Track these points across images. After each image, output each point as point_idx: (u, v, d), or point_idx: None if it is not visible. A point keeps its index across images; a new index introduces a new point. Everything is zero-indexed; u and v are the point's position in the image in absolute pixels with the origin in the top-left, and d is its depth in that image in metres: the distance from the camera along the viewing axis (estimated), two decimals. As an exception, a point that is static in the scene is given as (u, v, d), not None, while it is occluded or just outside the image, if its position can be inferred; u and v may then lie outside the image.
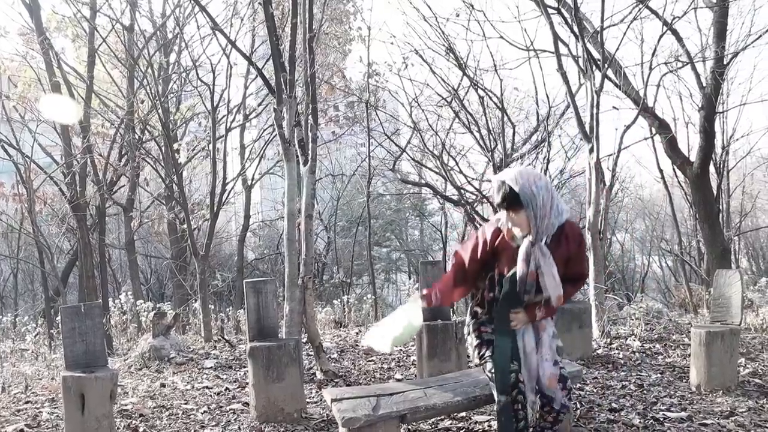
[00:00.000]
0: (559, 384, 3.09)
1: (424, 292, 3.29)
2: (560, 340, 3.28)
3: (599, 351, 5.82)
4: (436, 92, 11.64)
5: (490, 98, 11.06)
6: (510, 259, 3.08)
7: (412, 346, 6.26)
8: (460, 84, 11.10)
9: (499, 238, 3.12)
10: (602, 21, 7.03)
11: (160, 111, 9.25)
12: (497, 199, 3.00)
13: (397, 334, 3.24)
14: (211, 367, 5.85)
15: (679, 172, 11.56)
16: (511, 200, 2.92)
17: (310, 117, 5.75)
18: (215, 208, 8.87)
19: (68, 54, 12.63)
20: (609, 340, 6.16)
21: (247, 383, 4.56)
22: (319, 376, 5.34)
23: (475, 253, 3.17)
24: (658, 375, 5.06)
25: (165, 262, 17.00)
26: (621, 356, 5.66)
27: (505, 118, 11.05)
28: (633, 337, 6.21)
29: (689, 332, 5.57)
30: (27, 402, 4.82)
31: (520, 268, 3.02)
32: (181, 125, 12.95)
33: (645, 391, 4.64)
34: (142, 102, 10.98)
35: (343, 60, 13.46)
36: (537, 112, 12.04)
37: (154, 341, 6.27)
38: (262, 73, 6.15)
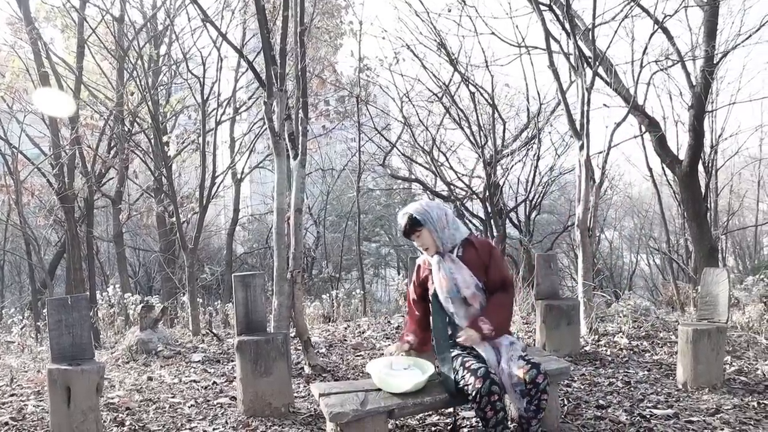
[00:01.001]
0: (529, 386, 3.14)
1: (401, 341, 3.67)
2: (522, 342, 3.50)
3: (587, 348, 5.85)
4: (427, 88, 11.68)
5: (481, 94, 11.09)
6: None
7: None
8: (451, 80, 11.13)
9: (423, 272, 3.59)
10: (594, 18, 7.04)
11: (149, 103, 9.19)
12: (402, 226, 3.46)
13: (419, 381, 3.33)
14: (199, 361, 5.83)
15: (668, 171, 11.60)
16: (413, 222, 3.40)
17: (300, 111, 5.72)
18: (204, 202, 8.83)
19: (57, 44, 12.56)
20: (597, 337, 6.18)
21: (235, 377, 4.55)
22: (307, 370, 5.33)
23: (415, 294, 3.67)
24: (645, 372, 5.09)
25: (153, 255, 16.93)
26: (608, 353, 5.69)
27: (496, 114, 11.09)
28: (620, 334, 6.24)
29: (676, 330, 5.60)
30: (12, 395, 4.78)
31: (436, 278, 3.43)
32: (171, 118, 12.89)
33: (632, 388, 4.66)
34: (132, 94, 10.91)
35: (335, 54, 13.41)
36: (528, 109, 12.09)
37: (141, 334, 6.23)
38: (252, 66, 6.11)
